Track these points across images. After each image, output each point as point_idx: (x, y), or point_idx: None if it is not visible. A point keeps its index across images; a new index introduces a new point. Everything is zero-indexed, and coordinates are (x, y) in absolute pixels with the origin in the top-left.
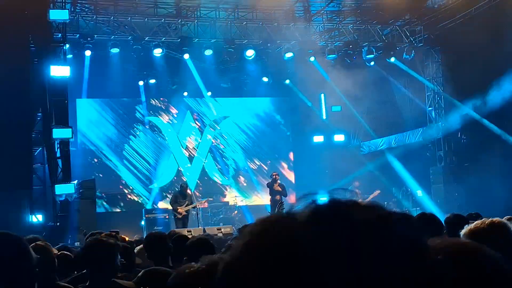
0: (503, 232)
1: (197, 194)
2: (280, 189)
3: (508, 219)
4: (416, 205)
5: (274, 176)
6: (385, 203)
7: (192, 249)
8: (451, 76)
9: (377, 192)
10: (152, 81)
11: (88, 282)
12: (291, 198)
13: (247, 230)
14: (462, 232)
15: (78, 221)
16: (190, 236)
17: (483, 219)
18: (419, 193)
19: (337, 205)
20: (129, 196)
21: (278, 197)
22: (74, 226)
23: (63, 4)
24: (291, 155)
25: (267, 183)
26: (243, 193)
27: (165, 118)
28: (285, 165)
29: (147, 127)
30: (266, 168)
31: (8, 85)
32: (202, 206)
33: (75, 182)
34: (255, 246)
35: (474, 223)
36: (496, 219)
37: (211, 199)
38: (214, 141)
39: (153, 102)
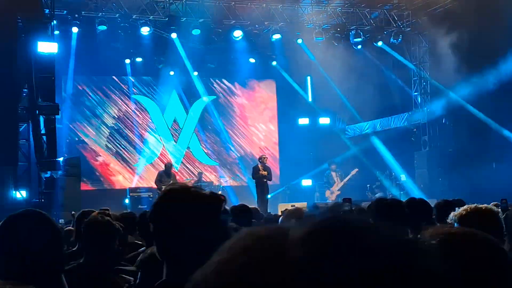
0: (492, 218)
1: (182, 173)
2: (265, 173)
3: (495, 205)
4: (400, 189)
5: (263, 159)
6: (368, 185)
7: None
8: (437, 61)
9: (355, 170)
10: (139, 59)
11: (83, 258)
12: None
13: (227, 245)
14: (452, 215)
15: (63, 199)
16: None
17: (474, 205)
18: (403, 177)
19: (340, 225)
20: (113, 175)
21: (264, 180)
22: (59, 204)
23: None
24: (276, 137)
25: (254, 166)
26: (228, 173)
27: (150, 97)
28: (272, 147)
29: (132, 105)
30: (251, 150)
31: None
32: (188, 184)
33: (61, 159)
34: (233, 267)
35: (462, 208)
36: (484, 205)
37: (196, 178)
38: (199, 121)
39: (139, 80)
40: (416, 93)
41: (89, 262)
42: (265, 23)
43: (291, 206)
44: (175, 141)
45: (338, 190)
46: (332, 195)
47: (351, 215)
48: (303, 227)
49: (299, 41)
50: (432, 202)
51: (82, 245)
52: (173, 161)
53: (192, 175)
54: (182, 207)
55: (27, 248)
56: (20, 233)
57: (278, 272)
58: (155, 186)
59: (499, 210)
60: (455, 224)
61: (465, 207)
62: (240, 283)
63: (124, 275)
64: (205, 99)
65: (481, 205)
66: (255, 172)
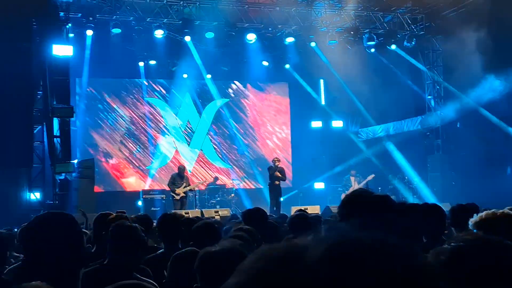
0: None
1: (194, 176)
2: (279, 174)
3: (510, 209)
4: (413, 193)
5: (275, 161)
6: (379, 188)
7: (198, 234)
8: (451, 65)
9: (371, 176)
10: (153, 62)
11: (107, 260)
12: (287, 184)
13: (245, 265)
14: (472, 221)
15: (77, 200)
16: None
17: (492, 210)
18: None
19: (359, 248)
20: (126, 177)
21: (277, 182)
22: (73, 205)
23: None
24: (289, 140)
25: (268, 167)
26: (241, 176)
27: (164, 100)
28: (284, 150)
29: (146, 108)
30: (263, 153)
31: (9, 63)
32: (199, 188)
33: (75, 161)
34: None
35: (484, 213)
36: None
37: (210, 181)
38: (212, 124)
39: (153, 83)
40: (429, 97)
41: (114, 265)
42: (279, 26)
43: (304, 208)
44: (188, 144)
45: None
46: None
47: (363, 234)
48: (319, 250)
49: (313, 44)
50: (445, 206)
51: (108, 247)
52: (186, 163)
53: (205, 178)
54: None
55: (52, 249)
56: (45, 234)
57: None
58: (168, 188)
59: None
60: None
61: (484, 213)
62: None
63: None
64: (219, 102)
65: (498, 210)
66: (271, 174)
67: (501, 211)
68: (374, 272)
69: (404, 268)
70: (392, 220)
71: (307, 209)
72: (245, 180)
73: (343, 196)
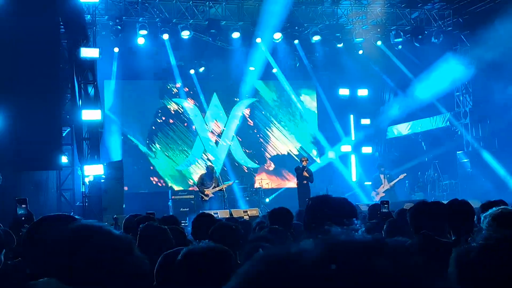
0: None
1: (223, 176)
2: (307, 174)
3: None
4: (442, 190)
5: (303, 161)
6: (407, 183)
7: (215, 235)
8: (479, 60)
9: (403, 175)
10: (180, 63)
11: None
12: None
13: (244, 269)
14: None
15: (106, 202)
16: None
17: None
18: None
19: (354, 247)
20: (154, 178)
21: (305, 182)
22: (102, 207)
23: None
24: (316, 139)
25: (296, 168)
26: (268, 176)
27: (191, 100)
28: (314, 151)
29: (173, 108)
30: (296, 153)
31: (37, 66)
32: (225, 187)
33: (104, 163)
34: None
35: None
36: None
37: (237, 181)
38: (241, 125)
39: (180, 83)
40: (458, 93)
41: None
42: (305, 25)
43: None
44: (216, 144)
45: (383, 192)
46: (377, 196)
47: (357, 237)
48: (315, 252)
49: (340, 45)
50: (474, 203)
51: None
52: (214, 163)
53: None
54: None
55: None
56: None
57: None
58: (196, 188)
59: None
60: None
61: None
62: None
63: None
64: (246, 102)
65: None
66: (299, 174)
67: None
68: (365, 270)
69: (393, 266)
70: (353, 225)
71: None
72: (273, 180)
73: (373, 194)
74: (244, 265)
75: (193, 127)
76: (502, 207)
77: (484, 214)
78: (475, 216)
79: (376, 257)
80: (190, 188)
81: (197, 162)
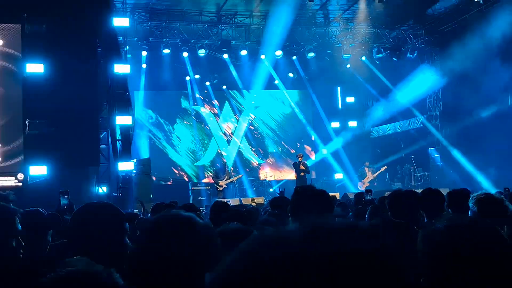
0: (502, 203)
1: (233, 170)
2: (303, 167)
3: (499, 193)
4: (417, 180)
5: (298, 157)
6: (387, 175)
7: (229, 219)
8: (448, 71)
9: (383, 167)
10: (197, 76)
11: None
12: (313, 174)
13: (240, 247)
14: (471, 202)
15: (137, 193)
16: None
17: (485, 192)
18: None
19: (332, 229)
20: (177, 172)
21: (302, 174)
22: (133, 197)
23: (125, 12)
24: (313, 138)
25: (293, 163)
26: (272, 169)
27: (207, 108)
28: (308, 147)
29: (192, 115)
30: (293, 151)
31: (79, 80)
32: (235, 179)
33: (135, 160)
34: (240, 267)
35: (477, 195)
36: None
37: (242, 175)
38: (249, 127)
39: (197, 94)
40: (430, 100)
41: None
42: (301, 43)
43: None
44: (228, 143)
45: (368, 182)
46: (362, 186)
47: (333, 220)
48: (300, 232)
49: (330, 59)
50: (444, 191)
51: None
52: (226, 159)
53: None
54: None
55: (99, 233)
56: (94, 220)
57: (280, 268)
58: (212, 181)
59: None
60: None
61: (479, 193)
62: (242, 280)
63: None
64: (251, 115)
65: (493, 193)
66: (296, 168)
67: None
68: (340, 249)
69: (364, 247)
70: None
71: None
72: (276, 173)
73: (359, 184)
74: (243, 243)
75: (208, 127)
76: (484, 192)
77: (472, 195)
78: (445, 202)
79: (349, 235)
80: (206, 180)
81: (213, 158)
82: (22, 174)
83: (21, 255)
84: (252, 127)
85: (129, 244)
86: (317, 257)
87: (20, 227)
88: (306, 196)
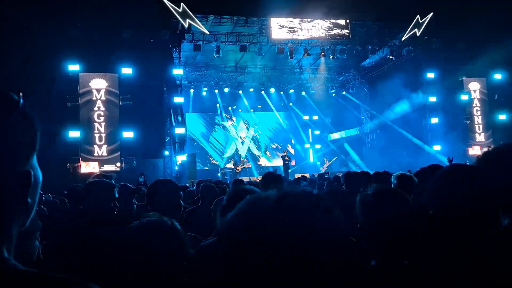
0: (410, 179)
1: (246, 160)
2: (288, 158)
3: (408, 171)
4: (356, 166)
5: (284, 152)
6: (338, 163)
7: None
8: (374, 100)
9: (334, 158)
10: (223, 104)
11: (200, 203)
12: (293, 162)
13: (238, 206)
14: (393, 178)
15: (188, 173)
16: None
17: (400, 172)
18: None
19: (298, 193)
20: (212, 160)
21: (286, 162)
22: (186, 175)
23: (180, 65)
24: (293, 141)
25: (282, 155)
26: (269, 159)
27: (229, 122)
28: (289, 146)
29: (221, 127)
30: (280, 147)
31: (153, 106)
32: (247, 166)
33: (186, 154)
34: (235, 220)
35: (396, 174)
36: (403, 173)
37: (250, 164)
38: (254, 134)
39: (224, 114)
40: (362, 117)
41: (204, 210)
42: (286, 84)
43: (302, 175)
44: (242, 144)
45: (326, 167)
46: (322, 169)
47: (302, 189)
48: (274, 196)
49: (303, 93)
50: (371, 171)
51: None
52: (241, 154)
53: (246, 162)
54: None
55: (164, 198)
56: (160, 190)
57: (256, 225)
58: (233, 166)
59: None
60: (395, 181)
61: (398, 173)
62: (238, 230)
63: None
64: (255, 127)
65: (402, 173)
66: (283, 158)
67: (400, 173)
68: (303, 211)
69: (321, 208)
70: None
71: (303, 175)
72: (271, 161)
73: (321, 168)
74: (241, 202)
75: (231, 136)
76: (400, 172)
77: (393, 175)
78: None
79: (309, 198)
80: (229, 166)
81: (233, 153)
82: (119, 163)
83: (115, 212)
84: (256, 134)
85: (183, 204)
86: (286, 214)
87: (117, 195)
88: (268, 177)
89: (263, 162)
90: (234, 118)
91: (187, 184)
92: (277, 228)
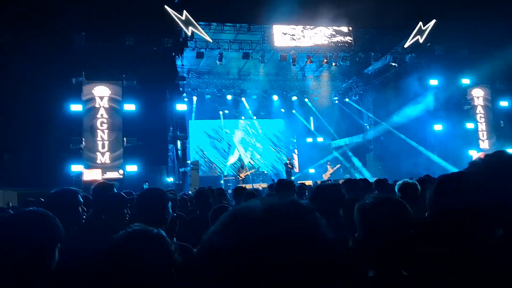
0: (414, 188)
1: (248, 168)
2: (291, 166)
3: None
4: (359, 173)
5: (288, 159)
6: (341, 170)
7: (245, 197)
8: (377, 107)
9: (338, 165)
10: (226, 111)
11: (198, 211)
12: (296, 169)
13: (220, 219)
14: (397, 187)
15: (190, 181)
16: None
17: (403, 180)
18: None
19: (283, 204)
20: (214, 168)
21: (289, 169)
22: (188, 184)
23: (183, 73)
24: (296, 151)
25: (284, 163)
26: (271, 167)
27: (232, 130)
28: (294, 155)
29: (223, 134)
30: (283, 156)
31: (156, 114)
32: (251, 173)
33: (189, 162)
34: (218, 236)
35: (401, 181)
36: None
37: (254, 170)
38: (256, 143)
39: (227, 121)
40: (365, 124)
41: (201, 213)
42: (288, 91)
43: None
44: (245, 152)
45: (329, 174)
46: (325, 177)
47: (290, 200)
48: (260, 208)
49: (306, 100)
50: (373, 179)
51: (196, 206)
52: (243, 161)
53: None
54: None
55: (149, 208)
56: (145, 200)
57: (247, 229)
58: (236, 173)
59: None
60: (398, 189)
61: (401, 181)
62: (220, 246)
63: None
64: (260, 131)
65: (405, 180)
66: (286, 165)
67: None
68: (288, 214)
69: (308, 220)
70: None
71: (304, 183)
72: (272, 169)
73: (324, 175)
74: (223, 215)
75: (233, 142)
76: (404, 180)
77: (398, 183)
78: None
79: (295, 208)
80: (232, 174)
81: (236, 160)
82: (122, 170)
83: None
84: (257, 143)
85: (171, 213)
86: (271, 222)
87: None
88: (282, 183)
89: (267, 168)
90: (237, 126)
91: (189, 192)
92: (264, 239)
